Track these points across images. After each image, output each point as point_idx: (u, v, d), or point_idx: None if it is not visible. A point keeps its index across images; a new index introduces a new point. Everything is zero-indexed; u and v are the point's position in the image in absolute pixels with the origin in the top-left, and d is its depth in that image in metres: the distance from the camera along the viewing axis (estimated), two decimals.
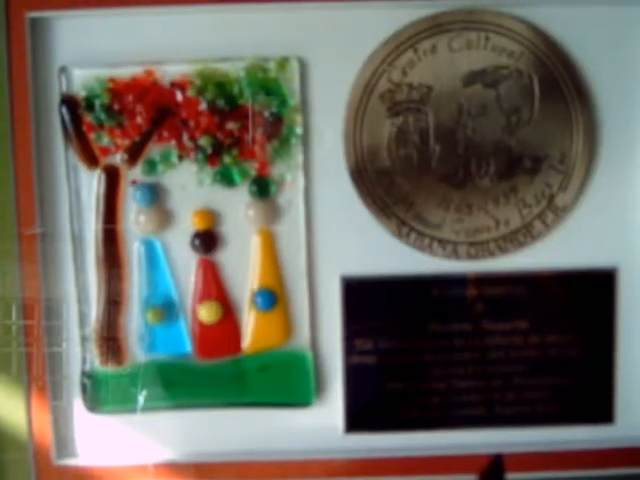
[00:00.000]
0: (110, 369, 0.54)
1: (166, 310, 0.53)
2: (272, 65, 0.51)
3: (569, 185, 0.53)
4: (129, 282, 0.53)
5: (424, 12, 0.51)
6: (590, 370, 0.55)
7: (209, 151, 0.52)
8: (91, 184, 0.53)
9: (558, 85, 0.52)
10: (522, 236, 0.53)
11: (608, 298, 0.54)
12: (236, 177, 0.53)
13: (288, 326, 0.54)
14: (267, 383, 0.54)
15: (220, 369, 0.54)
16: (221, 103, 0.51)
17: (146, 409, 0.54)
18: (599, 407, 0.55)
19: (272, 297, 0.53)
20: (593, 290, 0.54)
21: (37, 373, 0.53)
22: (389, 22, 0.51)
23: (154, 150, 0.52)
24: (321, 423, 0.55)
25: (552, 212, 0.53)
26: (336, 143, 0.52)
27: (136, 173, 0.52)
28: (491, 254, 0.54)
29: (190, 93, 0.51)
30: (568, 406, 0.55)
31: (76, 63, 0.51)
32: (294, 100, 0.52)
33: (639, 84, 0.52)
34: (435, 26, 0.51)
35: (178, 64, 0.51)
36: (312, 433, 0.55)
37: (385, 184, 0.53)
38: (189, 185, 0.53)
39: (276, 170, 0.53)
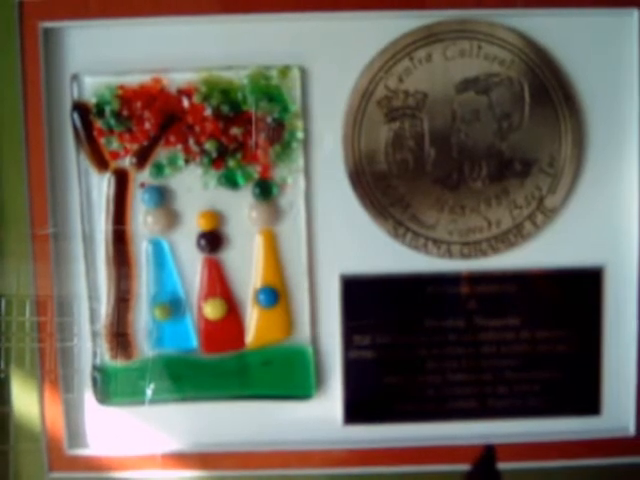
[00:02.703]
0: (119, 363, 0.54)
1: (173, 307, 0.54)
2: (274, 73, 0.51)
3: (558, 187, 0.53)
4: (138, 280, 0.54)
5: (419, 22, 0.51)
6: (578, 364, 0.55)
7: (214, 155, 0.52)
8: (101, 187, 0.53)
9: (547, 91, 0.52)
10: (513, 236, 0.54)
11: (595, 296, 0.54)
12: (240, 180, 0.53)
13: (289, 322, 0.54)
14: (269, 377, 0.54)
15: (224, 363, 0.54)
16: (225, 109, 0.52)
17: (154, 401, 0.54)
18: (587, 400, 0.55)
19: (274, 294, 0.53)
20: (581, 288, 0.54)
21: (50, 367, 0.53)
22: (386, 32, 0.51)
23: (161, 154, 0.52)
24: (321, 415, 0.55)
25: (542, 213, 0.53)
26: (335, 147, 0.53)
27: (144, 176, 0.53)
28: (483, 253, 0.54)
29: (196, 100, 0.52)
30: (557, 399, 0.55)
31: (87, 71, 0.52)
32: (295, 106, 0.52)
33: (624, 90, 0.53)
34: (430, 36, 0.52)
35: (184, 72, 0.51)
36: (312, 425, 0.55)
37: (382, 186, 0.53)
38: (195, 187, 0.53)
39: (278, 173, 0.53)
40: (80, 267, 0.53)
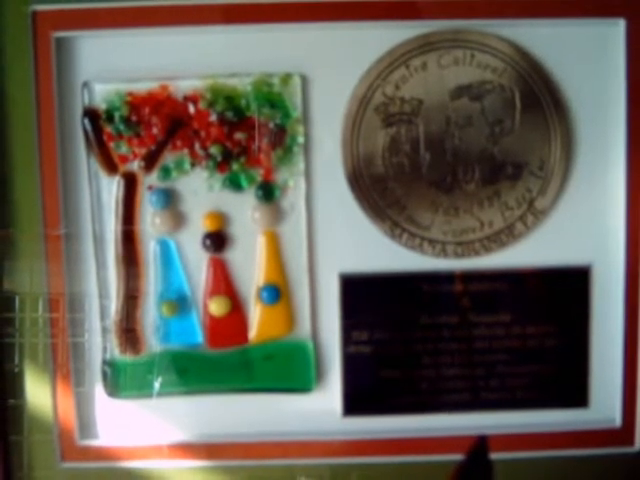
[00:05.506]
0: (128, 358, 0.54)
1: (179, 304, 0.54)
2: (276, 80, 0.52)
3: (548, 190, 0.53)
4: (146, 278, 0.54)
5: (415, 32, 0.52)
6: (567, 359, 0.55)
7: (219, 159, 0.52)
8: (111, 189, 0.53)
9: (537, 98, 0.52)
10: (505, 236, 0.54)
11: (583, 293, 0.54)
12: (243, 182, 0.53)
13: (291, 319, 0.54)
14: (271, 371, 0.55)
15: (229, 358, 0.55)
16: (230, 115, 0.52)
17: (161, 394, 0.54)
18: (575, 392, 0.55)
19: (276, 292, 0.54)
20: (569, 286, 0.54)
21: (62, 362, 0.54)
22: (383, 41, 0.52)
23: (168, 158, 0.53)
24: (321, 407, 0.55)
25: (532, 214, 0.54)
26: (335, 151, 0.53)
27: (152, 179, 0.53)
28: (476, 253, 0.54)
29: (201, 106, 0.52)
30: (547, 392, 0.55)
31: (97, 78, 0.52)
32: (296, 112, 0.52)
33: (611, 96, 0.53)
34: (425, 44, 0.52)
35: (190, 79, 0.52)
36: (312, 416, 0.55)
37: (379, 189, 0.53)
38: (200, 190, 0.53)
39: (280, 176, 0.53)
40: (91, 266, 0.54)
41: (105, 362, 0.54)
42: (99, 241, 0.53)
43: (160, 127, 0.52)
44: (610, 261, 0.54)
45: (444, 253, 0.54)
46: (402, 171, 0.53)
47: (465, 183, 0.53)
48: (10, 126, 0.52)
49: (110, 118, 0.52)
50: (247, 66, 0.52)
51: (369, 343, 0.55)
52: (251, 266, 0.54)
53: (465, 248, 0.54)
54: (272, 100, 0.52)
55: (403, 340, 0.55)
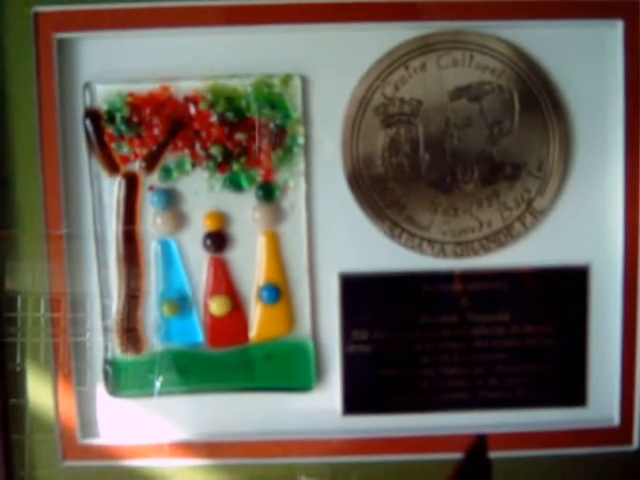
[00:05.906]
0: (129, 357, 0.54)
1: (180, 304, 0.54)
2: (276, 81, 0.52)
3: (546, 190, 0.54)
4: (147, 278, 0.54)
5: (415, 33, 0.52)
6: (565, 358, 0.55)
7: (219, 159, 0.52)
8: (112, 189, 0.53)
9: (536, 99, 0.53)
10: (503, 236, 0.54)
11: (581, 292, 0.54)
12: (244, 183, 0.53)
13: (291, 318, 0.54)
14: (272, 370, 0.55)
15: (229, 357, 0.55)
16: (230, 116, 0.52)
17: (162, 393, 0.54)
18: (573, 391, 0.56)
19: (276, 292, 0.54)
20: (568, 285, 0.54)
21: (63, 361, 0.54)
22: (383, 42, 0.52)
23: (169, 158, 0.53)
24: (321, 406, 0.55)
25: (530, 215, 0.54)
26: (335, 152, 0.53)
27: (153, 179, 0.53)
28: (475, 253, 0.54)
29: (202, 107, 0.52)
30: (545, 391, 0.55)
31: (99, 79, 0.52)
32: (296, 113, 0.52)
33: (609, 97, 0.53)
34: (424, 46, 0.52)
35: (191, 80, 0.52)
36: (313, 415, 0.55)
37: (379, 189, 0.53)
38: (201, 190, 0.53)
39: (280, 176, 0.53)
40: (92, 266, 0.54)
41: (106, 361, 0.54)
42: (100, 241, 0.54)
43: (161, 128, 0.52)
44: (608, 261, 0.54)
45: (443, 253, 0.54)
46: (402, 171, 0.53)
47: (464, 183, 0.53)
48: (12, 127, 0.52)
49: (111, 119, 0.52)
50: (247, 67, 0.52)
51: (369, 343, 0.55)
52: (251, 266, 0.54)
53: (464, 248, 0.54)
54: (272, 101, 0.52)
55: (403, 340, 0.55)
